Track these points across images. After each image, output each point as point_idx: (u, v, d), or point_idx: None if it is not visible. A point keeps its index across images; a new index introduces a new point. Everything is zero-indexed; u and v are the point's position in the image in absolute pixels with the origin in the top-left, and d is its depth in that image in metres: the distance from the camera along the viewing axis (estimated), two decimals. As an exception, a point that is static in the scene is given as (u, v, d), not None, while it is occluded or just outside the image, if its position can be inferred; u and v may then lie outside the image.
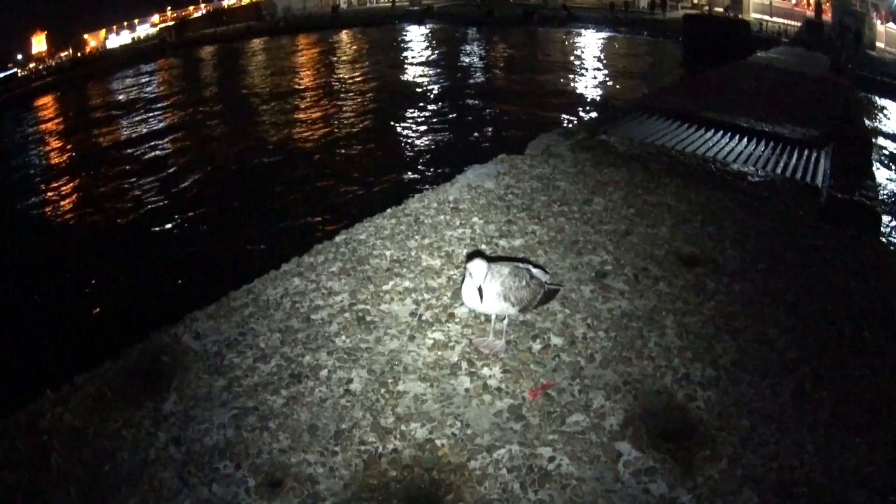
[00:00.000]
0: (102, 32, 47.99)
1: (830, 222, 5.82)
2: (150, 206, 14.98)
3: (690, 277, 4.45)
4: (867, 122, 18.84)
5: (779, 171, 7.37)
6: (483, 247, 4.72)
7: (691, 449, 2.96)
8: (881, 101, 23.36)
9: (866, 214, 6.42)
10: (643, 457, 2.90)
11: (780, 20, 40.34)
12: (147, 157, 19.27)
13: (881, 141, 18.12)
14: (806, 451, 2.99)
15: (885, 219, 11.39)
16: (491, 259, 3.40)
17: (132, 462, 2.84)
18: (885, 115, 22.03)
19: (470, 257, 3.39)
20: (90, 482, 2.75)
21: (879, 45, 34.32)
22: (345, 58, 36.01)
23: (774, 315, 4.09)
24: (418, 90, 25.33)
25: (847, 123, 11.16)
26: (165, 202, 15.17)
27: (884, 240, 9.03)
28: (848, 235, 5.48)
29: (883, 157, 16.40)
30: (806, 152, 8.22)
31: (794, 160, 7.88)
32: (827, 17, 37.28)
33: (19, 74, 40.25)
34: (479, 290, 3.26)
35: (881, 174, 14.57)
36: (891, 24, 34.66)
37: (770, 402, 3.29)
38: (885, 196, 13.14)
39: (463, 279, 3.44)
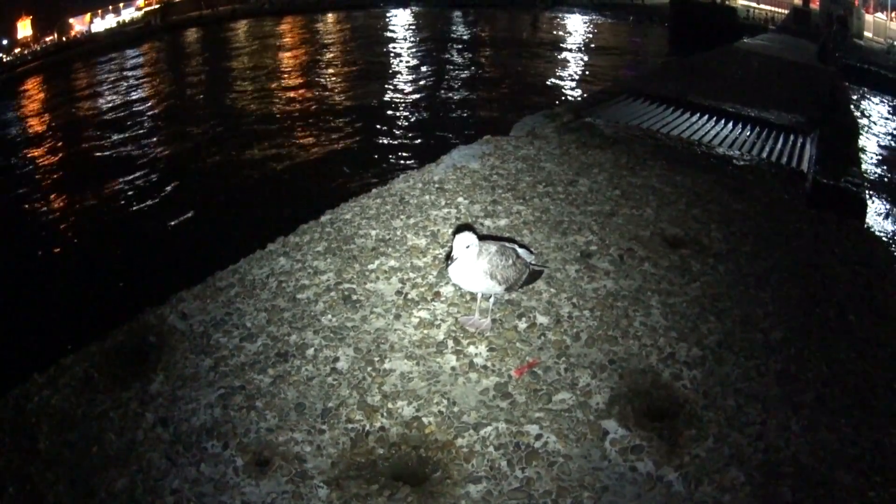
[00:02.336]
0: (88, 16, 47.55)
1: (816, 207, 5.84)
2: (134, 188, 14.91)
3: (675, 258, 4.46)
4: (853, 109, 18.92)
5: (764, 155, 7.38)
6: (469, 227, 4.72)
7: (677, 427, 2.99)
8: (867, 90, 23.45)
9: (851, 200, 6.44)
10: (630, 435, 2.92)
11: (768, 7, 40.43)
12: (132, 139, 19.15)
13: (867, 128, 18.22)
14: (791, 431, 3.02)
15: (870, 204, 11.46)
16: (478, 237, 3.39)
17: (120, 443, 2.85)
18: (871, 103, 22.13)
19: (458, 230, 3.39)
20: (78, 464, 2.76)
21: (867, 34, 34.46)
22: (330, 40, 35.92)
23: (760, 297, 4.12)
24: (403, 72, 25.31)
25: (833, 110, 11.19)
26: (150, 184, 15.10)
27: (868, 225, 9.10)
28: (833, 220, 5.50)
29: (868, 144, 16.49)
30: (792, 137, 8.23)
31: (779, 145, 7.89)
32: (815, 5, 37.37)
33: (4, 60, 39.88)
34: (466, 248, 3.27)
35: (866, 160, 14.65)
36: (878, 14, 34.80)
37: (755, 383, 3.32)
38: (870, 182, 13.20)
39: (447, 256, 3.45)
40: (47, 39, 44.60)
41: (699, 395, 3.19)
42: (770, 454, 2.88)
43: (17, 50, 42.58)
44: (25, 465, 2.75)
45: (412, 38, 34.57)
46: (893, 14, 33.86)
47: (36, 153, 19.68)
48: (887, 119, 20.53)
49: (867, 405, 3.24)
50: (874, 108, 21.72)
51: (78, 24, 47.26)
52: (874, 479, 2.80)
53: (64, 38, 44.87)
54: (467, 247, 3.25)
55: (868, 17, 35.22)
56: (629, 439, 2.90)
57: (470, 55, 29.48)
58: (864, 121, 18.86)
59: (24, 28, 44.50)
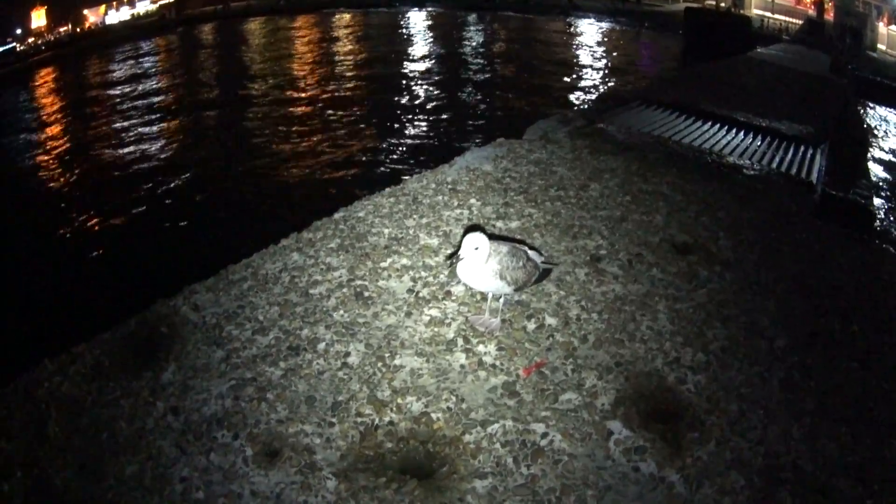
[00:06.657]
0: (102, 8, 47.62)
1: (823, 218, 5.86)
2: (149, 180, 15.01)
3: (683, 265, 4.48)
4: (864, 121, 18.87)
5: (774, 165, 7.39)
6: (480, 228, 4.74)
7: (680, 430, 3.02)
8: (880, 103, 23.36)
9: (859, 212, 6.47)
10: (633, 436, 2.96)
11: (782, 17, 40.27)
12: (146, 132, 19.25)
13: (877, 140, 18.18)
14: (792, 437, 3.05)
15: (878, 217, 11.47)
16: (489, 237, 3.42)
17: (130, 431, 2.89)
18: (882, 116, 22.06)
19: (468, 230, 3.42)
20: (88, 450, 2.80)
21: (881, 46, 34.32)
22: (344, 39, 35.84)
23: (765, 305, 4.14)
24: (418, 73, 25.29)
25: (844, 122, 11.19)
26: (165, 176, 15.20)
27: (875, 238, 9.09)
28: (840, 232, 5.51)
29: (878, 157, 16.46)
30: (802, 149, 8.23)
31: (789, 156, 7.90)
32: (829, 16, 37.27)
33: (18, 49, 39.98)
34: (468, 250, 3.30)
35: (876, 173, 14.63)
36: (892, 27, 34.67)
37: (758, 389, 3.35)
38: (878, 194, 13.18)
39: (451, 255, 3.48)
40: (61, 30, 44.62)
41: (703, 399, 3.22)
42: (770, 459, 2.91)
43: (30, 39, 42.60)
44: (33, 449, 2.79)
45: (427, 39, 34.59)
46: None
47: (50, 144, 19.77)
48: (898, 131, 20.49)
49: (867, 415, 3.27)
50: (885, 120, 21.65)
51: (92, 16, 47.25)
52: (872, 487, 2.83)
53: (78, 29, 44.89)
54: (476, 248, 3.28)
55: (882, 30, 35.08)
56: (633, 440, 2.94)
57: (484, 58, 29.42)
58: (874, 133, 18.82)
59: (39, 18, 44.49)
